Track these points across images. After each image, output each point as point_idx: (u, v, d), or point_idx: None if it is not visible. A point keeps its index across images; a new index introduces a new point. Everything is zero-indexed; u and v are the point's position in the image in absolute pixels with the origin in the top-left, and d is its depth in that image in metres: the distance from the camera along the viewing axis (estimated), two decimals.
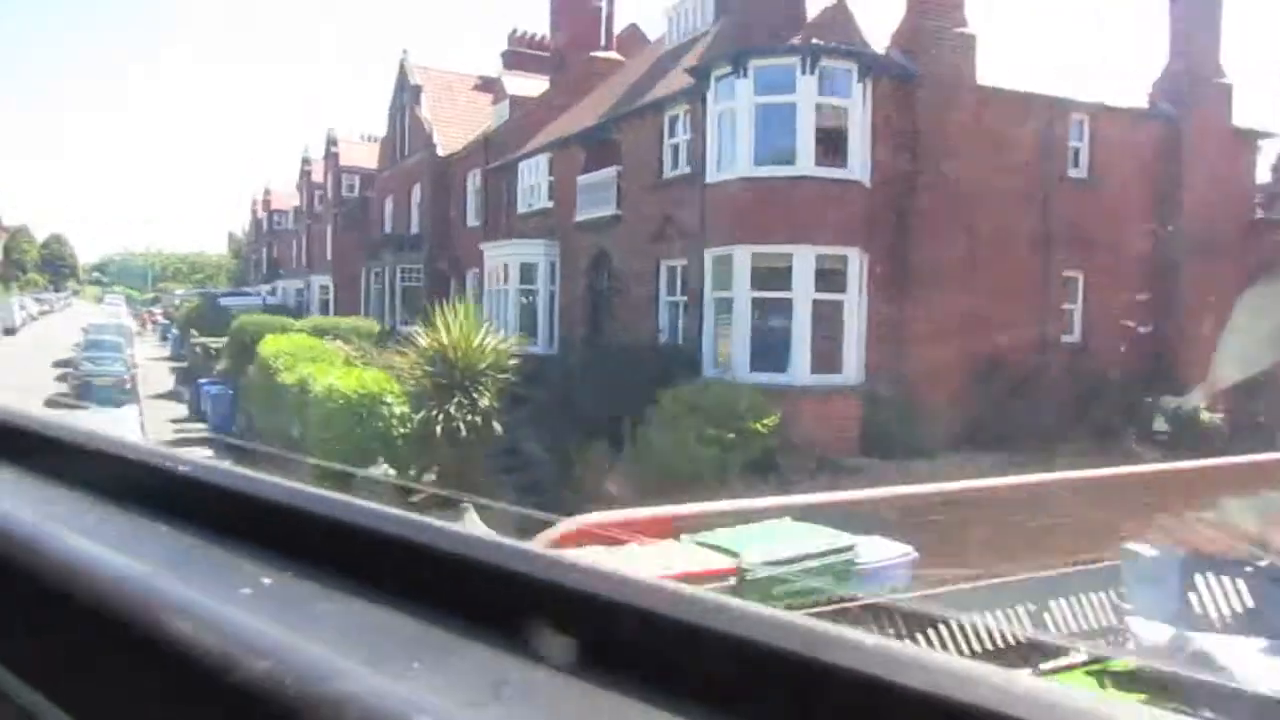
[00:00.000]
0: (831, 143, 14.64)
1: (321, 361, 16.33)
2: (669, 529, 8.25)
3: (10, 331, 46.51)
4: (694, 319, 16.35)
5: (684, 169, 17.50)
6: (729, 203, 14.91)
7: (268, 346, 17.36)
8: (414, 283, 32.30)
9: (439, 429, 11.67)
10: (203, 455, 1.17)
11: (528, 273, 22.40)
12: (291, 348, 17.09)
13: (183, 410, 27.17)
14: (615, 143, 20.79)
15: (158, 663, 0.64)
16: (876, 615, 3.90)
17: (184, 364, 38.06)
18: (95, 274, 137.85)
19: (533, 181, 23.55)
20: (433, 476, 12.30)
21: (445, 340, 12.08)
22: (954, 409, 15.53)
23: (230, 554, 0.80)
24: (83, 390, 27.33)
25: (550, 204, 22.73)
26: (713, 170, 15.46)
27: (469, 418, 11.80)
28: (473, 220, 29.76)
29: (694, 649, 0.56)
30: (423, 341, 12.20)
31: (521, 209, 24.11)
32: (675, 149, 18.00)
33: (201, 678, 0.60)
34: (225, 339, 32.54)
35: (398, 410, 11.33)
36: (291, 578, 0.75)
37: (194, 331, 39.40)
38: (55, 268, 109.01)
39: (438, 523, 0.75)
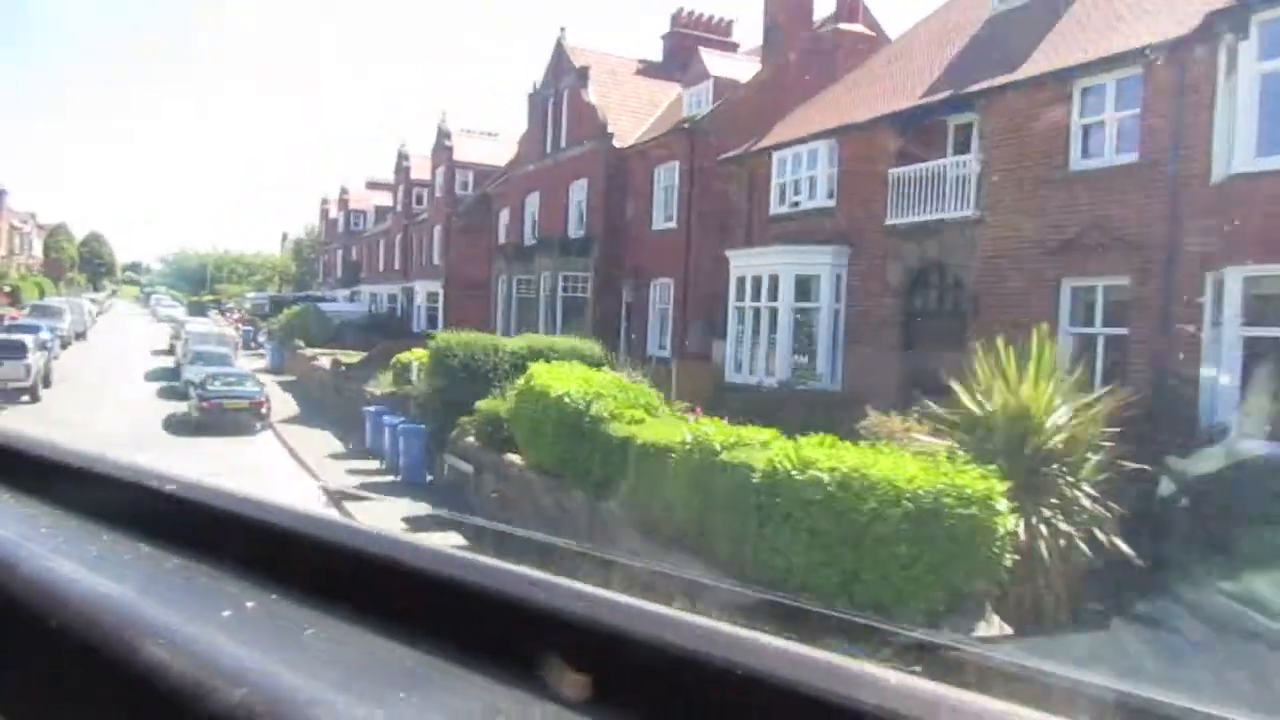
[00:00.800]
0: None
1: (664, 414, 11.92)
2: None
3: (81, 336, 42.27)
4: (1159, 358, 11.82)
5: (1117, 156, 13.00)
6: None
7: (556, 381, 12.85)
8: (578, 293, 27.87)
9: (1044, 547, 7.17)
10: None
11: (805, 287, 17.90)
12: (586, 384, 12.60)
13: (331, 442, 22.77)
14: (943, 125, 16.36)
15: (129, 690, 0.61)
16: None
17: (290, 378, 33.73)
18: (129, 273, 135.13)
19: (796, 175, 19.07)
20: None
21: (1019, 404, 7.60)
22: None
23: (215, 575, 0.78)
24: (212, 415, 22.99)
25: (831, 202, 18.25)
26: (1244, 155, 10.93)
27: (1080, 530, 7.29)
28: (662, 222, 25.34)
29: (701, 682, 0.55)
30: (975, 404, 7.73)
31: (776, 209, 19.62)
32: (1088, 130, 13.52)
33: (173, 706, 0.58)
34: (364, 354, 28.24)
35: (1011, 523, 6.84)
36: (277, 601, 0.73)
37: (299, 341, 35.13)
38: (94, 266, 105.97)
39: (434, 545, 0.71)
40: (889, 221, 16.52)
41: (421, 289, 41.04)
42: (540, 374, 13.56)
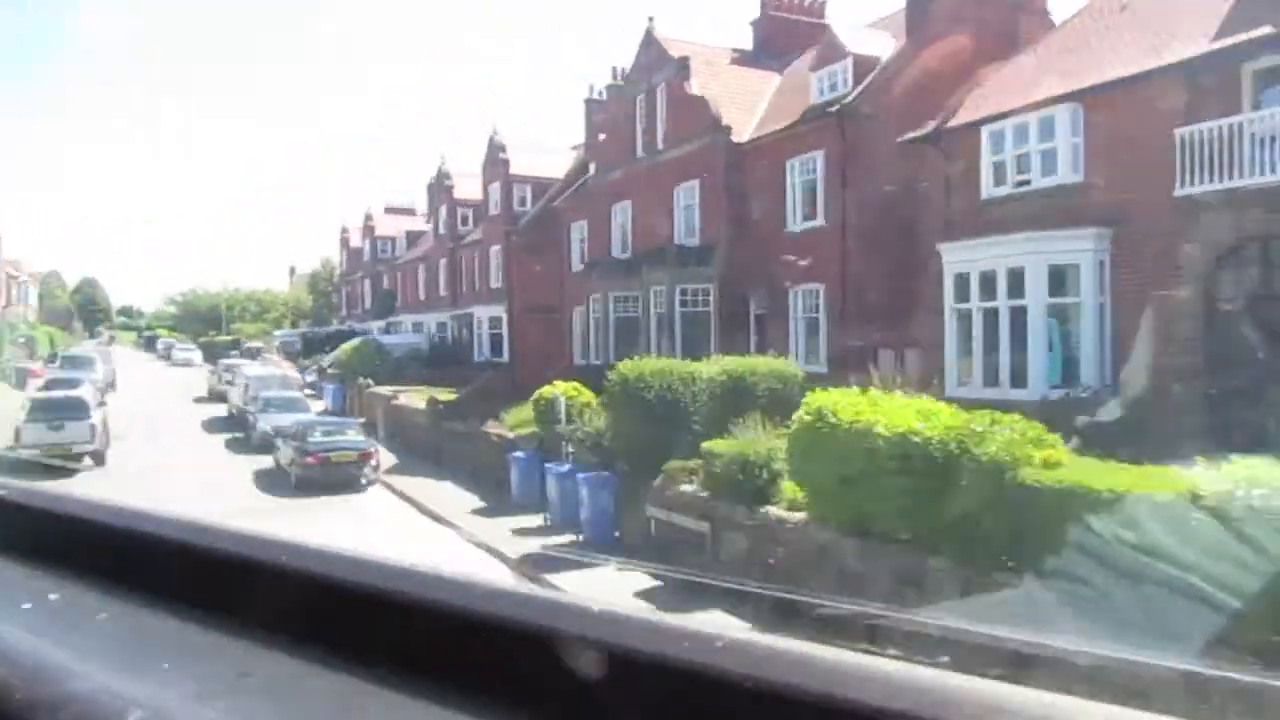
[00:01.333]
0: None
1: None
2: None
3: (112, 386, 38.84)
4: None
5: None
6: None
7: (882, 415, 9.84)
8: (697, 307, 24.88)
9: None
10: None
11: (1060, 279, 15.00)
12: (924, 417, 9.60)
13: (459, 494, 19.65)
14: (1234, 74, 13.52)
15: None
16: None
17: (358, 420, 30.48)
18: (122, 318, 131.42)
19: (1020, 150, 16.17)
20: None
21: None
22: None
23: (27, 573, 0.83)
24: (316, 470, 19.84)
25: (1077, 177, 15.37)
26: None
27: None
28: (801, 221, 22.42)
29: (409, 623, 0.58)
30: None
31: (991, 192, 16.71)
32: None
33: None
34: (458, 390, 25.16)
35: None
36: (83, 591, 0.78)
37: (367, 380, 31.97)
38: (89, 312, 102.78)
39: (218, 525, 0.77)
40: (1180, 192, 13.63)
41: (483, 314, 37.94)
42: (842, 406, 10.51)
